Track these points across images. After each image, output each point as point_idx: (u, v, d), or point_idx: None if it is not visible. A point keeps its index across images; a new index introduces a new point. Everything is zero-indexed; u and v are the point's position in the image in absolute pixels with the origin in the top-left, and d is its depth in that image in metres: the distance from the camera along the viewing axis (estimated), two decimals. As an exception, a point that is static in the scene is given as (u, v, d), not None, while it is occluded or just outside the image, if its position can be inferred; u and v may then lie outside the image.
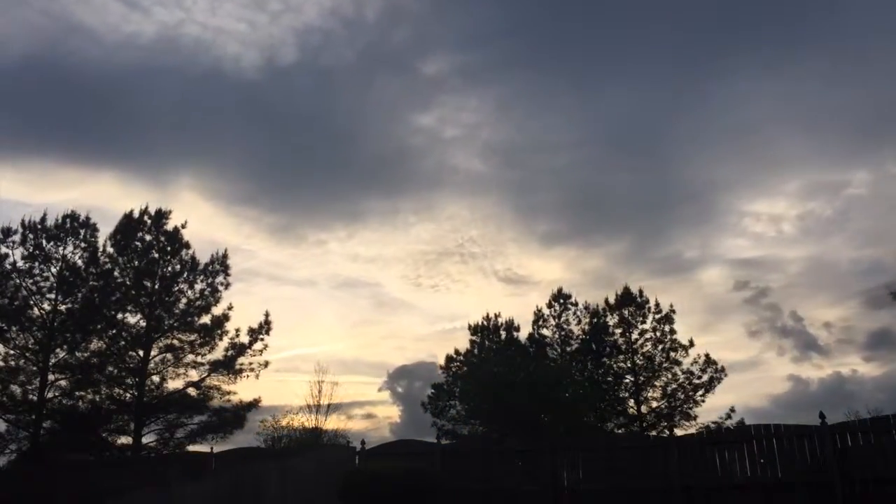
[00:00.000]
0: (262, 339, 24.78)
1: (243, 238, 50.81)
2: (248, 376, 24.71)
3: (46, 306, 23.48)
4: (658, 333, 27.86)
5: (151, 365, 24.15)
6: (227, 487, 14.74)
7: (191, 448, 23.82)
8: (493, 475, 14.13)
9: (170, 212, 25.67)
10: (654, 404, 27.54)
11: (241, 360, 24.62)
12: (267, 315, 25.16)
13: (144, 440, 23.79)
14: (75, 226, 24.39)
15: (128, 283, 24.48)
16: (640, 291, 28.65)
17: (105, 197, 49.74)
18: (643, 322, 28.17)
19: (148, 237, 25.23)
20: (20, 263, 23.27)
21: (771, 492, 11.65)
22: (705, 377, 27.05)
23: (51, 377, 23.14)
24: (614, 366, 27.94)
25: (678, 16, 54.39)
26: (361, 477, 12.72)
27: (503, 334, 29.20)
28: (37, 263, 23.48)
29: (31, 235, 23.63)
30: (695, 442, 13.39)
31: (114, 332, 23.95)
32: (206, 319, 24.74)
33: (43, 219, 23.95)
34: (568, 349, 28.55)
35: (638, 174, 54.35)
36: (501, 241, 55.27)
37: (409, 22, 58.50)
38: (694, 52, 55.46)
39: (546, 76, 58.11)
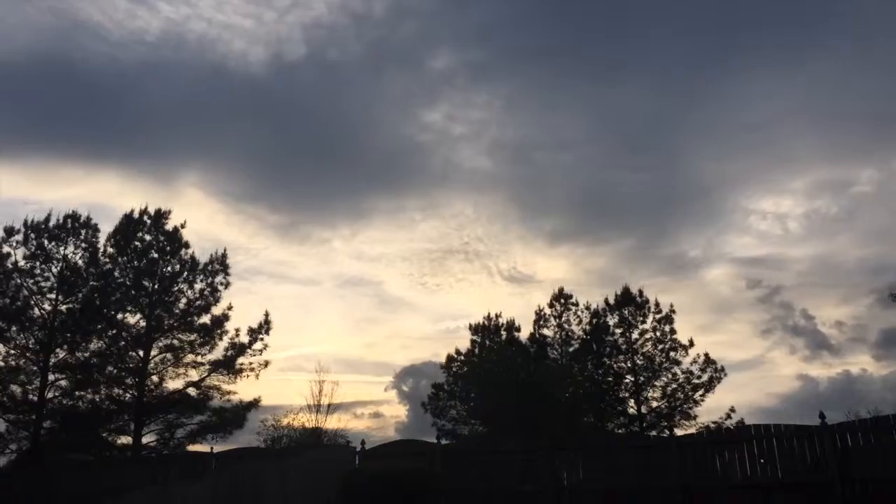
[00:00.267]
0: (261, 339, 24.79)
1: (248, 236, 50.75)
2: (247, 376, 24.73)
3: (47, 306, 23.50)
4: (658, 333, 27.84)
5: (151, 365, 24.15)
6: (226, 487, 14.72)
7: (191, 448, 23.85)
8: (493, 475, 14.13)
9: (169, 212, 25.72)
10: (654, 404, 27.52)
11: (241, 359, 24.63)
12: (267, 315, 25.18)
13: (144, 440, 23.79)
14: (76, 226, 24.41)
15: (128, 283, 24.48)
16: (641, 291, 28.66)
17: (109, 194, 49.70)
18: (643, 322, 28.15)
19: (148, 237, 25.24)
20: (21, 263, 23.31)
21: (771, 492, 11.64)
22: (705, 377, 27.04)
23: (51, 377, 23.16)
24: (614, 366, 27.91)
25: (687, 15, 54.42)
26: (361, 477, 12.70)
27: (504, 334, 29.18)
28: (38, 263, 23.50)
29: (33, 235, 23.65)
30: (695, 442, 13.39)
31: (114, 332, 23.95)
32: (205, 319, 24.76)
33: (46, 219, 24.00)
34: (568, 349, 28.53)
35: (645, 172, 54.35)
36: (507, 239, 55.15)
37: (418, 16, 58.33)
38: (703, 50, 55.53)
39: (555, 73, 58.03)
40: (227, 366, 24.50)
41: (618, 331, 28.31)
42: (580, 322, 29.05)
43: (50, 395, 23.18)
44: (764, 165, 53.88)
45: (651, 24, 54.93)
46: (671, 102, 55.55)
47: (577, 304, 29.40)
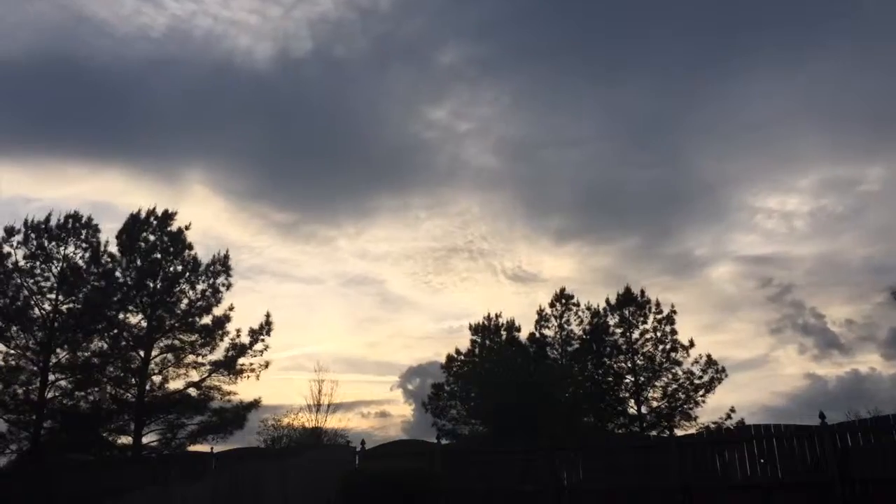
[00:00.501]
0: (262, 340, 24.82)
1: (252, 234, 50.61)
2: (248, 377, 24.75)
3: (47, 306, 23.53)
4: (658, 333, 27.84)
5: (152, 365, 24.18)
6: (226, 487, 14.73)
7: (191, 448, 23.86)
8: (493, 475, 14.13)
9: (175, 213, 25.75)
10: (655, 404, 27.52)
11: (241, 360, 24.66)
12: (268, 316, 25.20)
13: (145, 440, 23.81)
14: (77, 226, 24.45)
15: (129, 283, 24.51)
16: (642, 291, 28.66)
17: (114, 192, 49.48)
18: (644, 322, 28.14)
19: (152, 237, 25.27)
20: (22, 263, 23.33)
21: (771, 492, 11.63)
22: (706, 377, 27.03)
23: (51, 377, 23.17)
24: (615, 366, 27.91)
25: (689, 14, 54.33)
26: (361, 477, 12.70)
27: (504, 334, 29.20)
28: (38, 263, 23.53)
29: (33, 235, 23.68)
30: (695, 442, 13.39)
31: (115, 332, 23.97)
32: (207, 320, 24.78)
33: (47, 219, 24.03)
34: (569, 349, 28.54)
35: (651, 170, 54.18)
36: (512, 237, 54.82)
37: (425, 11, 58.10)
38: (705, 50, 55.37)
39: (558, 71, 57.77)
40: (228, 366, 24.53)
41: (618, 331, 28.31)
42: (580, 322, 29.08)
43: (50, 395, 23.22)
44: (769, 164, 53.82)
45: (653, 24, 54.95)
46: (675, 101, 55.52)
47: (577, 305, 29.44)
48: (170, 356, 24.44)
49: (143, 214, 25.41)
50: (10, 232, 23.40)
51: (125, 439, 23.97)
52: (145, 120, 50.39)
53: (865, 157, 50.83)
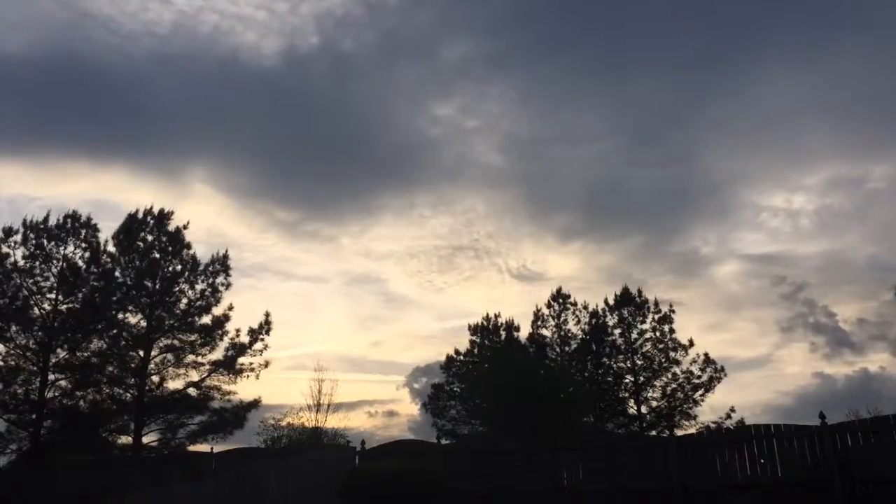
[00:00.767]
0: (262, 340, 24.76)
1: (256, 232, 50.40)
2: (248, 376, 24.70)
3: (47, 306, 23.48)
4: (658, 333, 27.86)
5: (152, 365, 24.13)
6: (226, 487, 14.74)
7: (191, 448, 23.84)
8: (493, 475, 14.13)
9: (172, 212, 25.71)
10: (654, 404, 27.55)
11: (241, 360, 24.59)
12: (267, 315, 25.15)
13: (145, 440, 23.77)
14: (76, 226, 24.41)
15: (129, 283, 24.50)
16: (640, 291, 28.70)
17: (116, 189, 49.14)
18: (643, 322, 28.17)
19: (150, 237, 25.26)
20: (21, 263, 23.32)
21: (771, 492, 11.64)
22: (705, 377, 27.07)
23: (51, 377, 23.13)
24: (614, 366, 27.93)
25: (703, 10, 54.17)
26: (361, 477, 12.71)
27: (503, 334, 29.21)
28: (37, 263, 23.51)
29: (32, 235, 23.66)
30: (695, 442, 13.40)
31: (114, 332, 23.95)
32: (206, 320, 24.71)
33: (46, 218, 24.01)
34: (567, 349, 28.56)
35: (657, 168, 54.11)
36: (517, 236, 54.63)
37: (432, 6, 57.81)
38: (717, 47, 55.21)
39: (570, 67, 57.66)
40: (228, 366, 24.50)
41: (617, 331, 28.33)
42: (578, 322, 29.10)
43: (50, 394, 23.16)
44: (776, 162, 53.83)
45: (660, 22, 54.84)
46: (683, 99, 55.43)
47: (575, 304, 29.45)
48: (169, 356, 24.40)
49: (141, 214, 25.40)
50: (8, 232, 23.36)
51: (125, 439, 23.94)
52: (149, 117, 50.19)
53: (871, 155, 50.89)
